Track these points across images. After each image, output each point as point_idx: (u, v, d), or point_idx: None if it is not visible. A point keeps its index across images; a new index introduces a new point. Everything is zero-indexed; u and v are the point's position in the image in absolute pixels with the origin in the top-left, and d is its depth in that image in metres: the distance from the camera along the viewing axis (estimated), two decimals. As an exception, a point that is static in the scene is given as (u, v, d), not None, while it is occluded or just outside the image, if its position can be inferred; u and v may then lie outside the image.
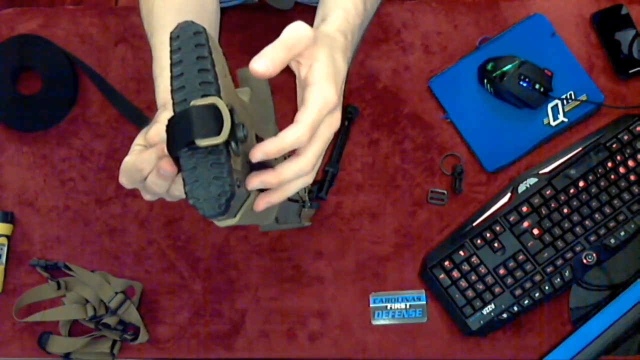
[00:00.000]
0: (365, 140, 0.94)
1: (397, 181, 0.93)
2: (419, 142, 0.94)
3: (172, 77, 0.51)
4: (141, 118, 0.95)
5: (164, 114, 0.60)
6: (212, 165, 0.49)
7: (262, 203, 0.55)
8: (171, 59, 0.51)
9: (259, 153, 0.51)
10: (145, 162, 0.55)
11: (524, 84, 0.89)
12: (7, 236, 0.93)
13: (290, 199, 0.72)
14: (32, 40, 0.96)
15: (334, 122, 0.55)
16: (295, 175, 0.54)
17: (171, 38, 0.51)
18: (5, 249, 0.93)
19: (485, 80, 0.91)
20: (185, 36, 0.51)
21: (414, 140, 0.94)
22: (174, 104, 0.50)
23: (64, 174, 0.96)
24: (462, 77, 0.93)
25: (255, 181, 0.52)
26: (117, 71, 0.97)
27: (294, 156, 0.54)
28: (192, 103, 0.48)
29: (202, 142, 0.48)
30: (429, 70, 0.95)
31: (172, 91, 0.50)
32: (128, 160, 0.57)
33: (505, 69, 0.89)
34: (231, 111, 0.48)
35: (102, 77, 0.96)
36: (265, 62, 0.51)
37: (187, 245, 0.93)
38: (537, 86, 0.89)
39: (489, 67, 0.90)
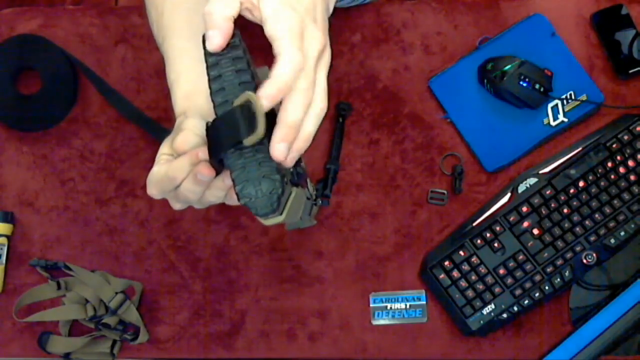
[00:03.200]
0: (365, 140, 0.94)
1: (397, 181, 0.93)
2: (419, 142, 0.94)
3: (209, 80, 0.51)
4: (141, 118, 0.95)
5: (189, 121, 0.59)
6: (260, 163, 0.50)
7: (292, 156, 0.52)
8: (207, 61, 0.51)
9: (264, 101, 0.48)
10: (178, 170, 0.54)
11: (524, 84, 0.89)
12: (7, 236, 0.93)
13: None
14: (32, 40, 0.96)
15: (315, 42, 0.51)
16: (301, 108, 0.50)
17: (203, 41, 0.51)
18: (5, 249, 0.93)
19: (485, 80, 0.91)
20: None
21: (414, 140, 0.94)
22: (214, 106, 0.51)
23: (64, 174, 0.96)
24: (462, 77, 0.93)
25: (280, 145, 0.49)
26: (117, 71, 0.97)
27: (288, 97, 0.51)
28: (235, 103, 0.49)
29: (250, 141, 0.48)
30: (429, 70, 0.95)
31: (211, 94, 0.51)
32: (158, 170, 0.56)
33: (505, 69, 0.89)
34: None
35: (101, 78, 0.96)
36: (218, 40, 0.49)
37: (187, 245, 0.93)
38: (537, 86, 0.89)
39: (489, 67, 0.90)
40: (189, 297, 0.92)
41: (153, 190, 0.57)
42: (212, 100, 0.51)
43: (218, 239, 0.93)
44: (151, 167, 1.00)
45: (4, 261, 0.93)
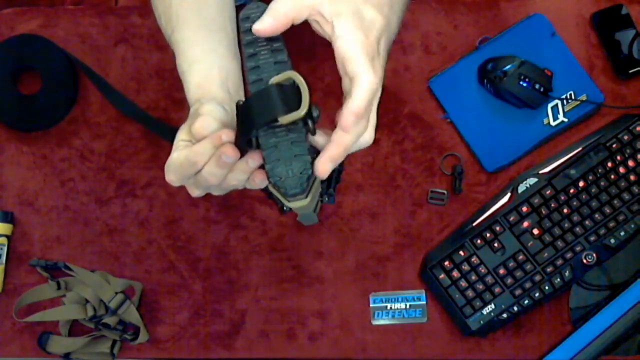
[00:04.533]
0: (365, 140, 0.94)
1: (397, 181, 0.93)
2: (419, 142, 0.94)
3: (245, 58, 0.52)
4: (143, 116, 0.95)
5: (206, 107, 0.59)
6: (292, 143, 0.50)
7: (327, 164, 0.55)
8: (242, 39, 0.52)
9: (343, 120, 0.52)
10: (200, 154, 0.54)
11: (524, 84, 0.89)
12: (7, 236, 0.93)
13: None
14: (32, 40, 0.96)
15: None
16: (357, 137, 0.55)
17: (240, 19, 0.52)
18: (5, 249, 0.93)
19: (485, 80, 0.91)
20: (256, 17, 0.52)
21: (414, 140, 0.94)
22: (248, 83, 0.51)
23: (64, 174, 0.96)
24: (462, 77, 0.93)
25: (326, 164, 0.53)
26: (117, 71, 0.97)
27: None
28: (273, 80, 0.49)
29: (285, 119, 0.48)
30: (429, 70, 0.95)
31: (245, 71, 0.52)
32: (177, 155, 0.56)
33: (505, 69, 0.89)
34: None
35: (102, 78, 0.96)
36: (269, 21, 0.51)
37: (187, 245, 0.93)
38: (537, 86, 0.89)
39: (489, 67, 0.90)
40: (189, 297, 0.92)
41: (172, 176, 0.57)
42: (247, 78, 0.51)
43: (218, 239, 0.93)
44: (151, 167, 1.00)
45: (4, 261, 0.93)
